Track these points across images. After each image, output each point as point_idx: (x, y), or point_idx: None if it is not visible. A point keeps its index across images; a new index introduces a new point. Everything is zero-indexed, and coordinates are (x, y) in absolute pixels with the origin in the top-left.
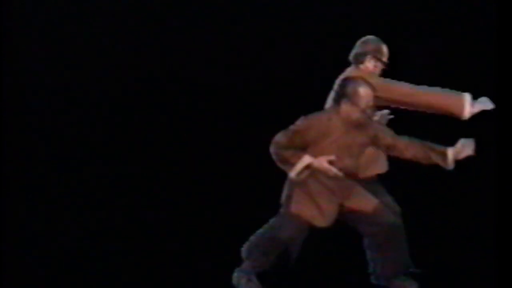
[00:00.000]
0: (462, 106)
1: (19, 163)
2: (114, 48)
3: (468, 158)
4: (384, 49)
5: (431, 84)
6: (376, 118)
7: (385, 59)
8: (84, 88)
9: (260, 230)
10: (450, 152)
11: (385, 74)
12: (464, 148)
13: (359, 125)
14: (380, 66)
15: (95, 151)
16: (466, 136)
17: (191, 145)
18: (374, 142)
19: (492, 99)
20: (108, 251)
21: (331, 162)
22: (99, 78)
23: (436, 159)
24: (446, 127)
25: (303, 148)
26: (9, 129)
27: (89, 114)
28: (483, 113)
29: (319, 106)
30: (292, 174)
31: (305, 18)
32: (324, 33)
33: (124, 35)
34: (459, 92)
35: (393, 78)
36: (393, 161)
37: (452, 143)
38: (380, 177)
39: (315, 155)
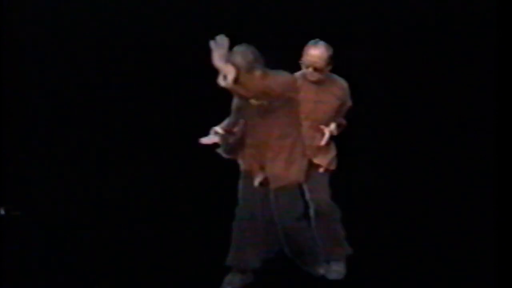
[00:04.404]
0: None
1: (18, 162)
2: (115, 47)
3: (468, 158)
4: (310, 51)
5: (430, 84)
6: None
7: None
8: (84, 87)
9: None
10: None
11: (390, 73)
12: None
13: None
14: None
15: (95, 151)
16: (466, 137)
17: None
18: None
19: (492, 99)
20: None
21: None
22: (99, 77)
23: None
24: (445, 127)
25: None
26: (8, 129)
27: (88, 113)
28: (482, 113)
29: None
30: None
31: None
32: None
33: (124, 34)
34: None
35: (397, 77)
36: (392, 160)
37: (451, 142)
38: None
39: None
